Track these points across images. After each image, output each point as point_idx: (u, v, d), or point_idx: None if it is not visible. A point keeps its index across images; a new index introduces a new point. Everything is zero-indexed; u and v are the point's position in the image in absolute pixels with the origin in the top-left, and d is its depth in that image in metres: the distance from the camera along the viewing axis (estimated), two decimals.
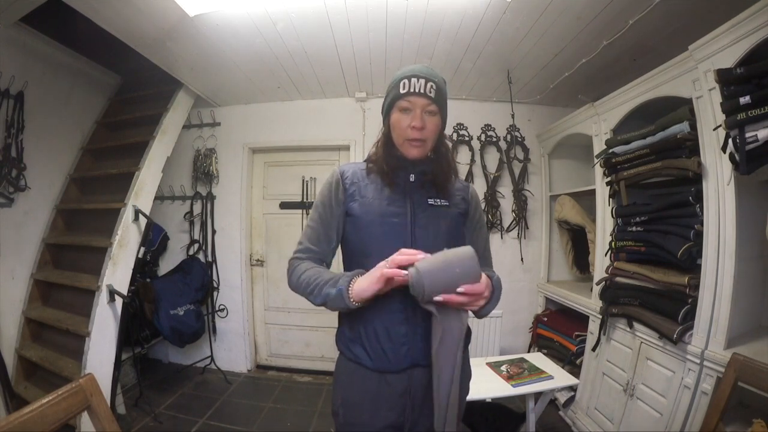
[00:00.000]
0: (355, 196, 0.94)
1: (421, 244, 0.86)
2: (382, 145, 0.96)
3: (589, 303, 2.15)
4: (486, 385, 1.68)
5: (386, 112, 0.94)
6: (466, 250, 0.77)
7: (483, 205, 2.78)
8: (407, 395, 0.89)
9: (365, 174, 0.97)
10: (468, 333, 1.00)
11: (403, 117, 0.89)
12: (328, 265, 0.98)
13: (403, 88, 0.88)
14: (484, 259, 0.98)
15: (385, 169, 0.93)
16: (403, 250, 0.78)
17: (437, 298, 0.74)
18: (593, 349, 2.04)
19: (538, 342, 2.63)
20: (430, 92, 0.87)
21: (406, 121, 0.88)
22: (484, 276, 0.80)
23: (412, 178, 0.94)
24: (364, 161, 1.00)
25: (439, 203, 0.94)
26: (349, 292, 0.82)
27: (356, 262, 0.92)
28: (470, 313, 0.86)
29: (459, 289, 0.74)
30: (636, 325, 1.76)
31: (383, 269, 0.77)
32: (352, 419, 0.92)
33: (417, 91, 0.86)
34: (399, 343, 0.88)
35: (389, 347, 0.88)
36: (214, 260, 2.94)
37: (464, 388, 0.96)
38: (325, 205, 0.96)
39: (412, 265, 0.75)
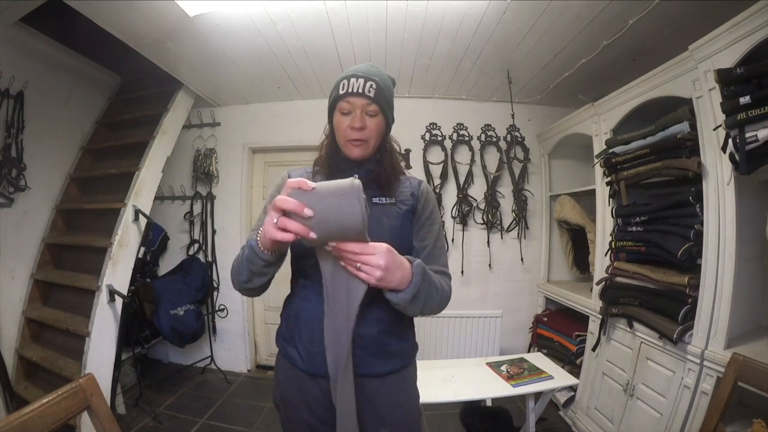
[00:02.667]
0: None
1: None
2: (326, 147, 0.95)
3: (589, 303, 2.15)
4: (486, 385, 1.68)
5: (329, 114, 0.92)
6: (344, 183, 0.66)
7: (483, 205, 2.79)
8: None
9: (311, 176, 0.95)
10: (408, 346, 0.95)
11: (344, 119, 0.87)
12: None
13: (342, 89, 0.86)
14: (432, 257, 0.92)
15: (329, 170, 0.92)
16: (290, 181, 0.67)
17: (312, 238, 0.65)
18: (593, 349, 2.04)
19: (538, 342, 2.63)
20: (369, 92, 0.85)
21: (346, 122, 0.86)
22: (382, 244, 0.70)
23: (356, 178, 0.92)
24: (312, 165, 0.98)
25: (384, 201, 0.91)
26: (258, 242, 0.75)
27: (299, 263, 0.91)
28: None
29: (332, 244, 0.66)
30: (636, 325, 1.76)
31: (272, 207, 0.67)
32: (290, 415, 0.93)
33: (355, 91, 0.84)
34: None
35: (319, 351, 0.85)
36: (214, 260, 2.94)
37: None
38: None
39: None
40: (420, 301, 0.78)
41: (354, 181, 0.67)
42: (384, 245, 0.71)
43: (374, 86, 0.85)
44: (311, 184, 0.66)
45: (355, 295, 0.75)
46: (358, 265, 0.69)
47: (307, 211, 0.64)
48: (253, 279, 0.81)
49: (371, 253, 0.69)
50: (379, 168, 0.92)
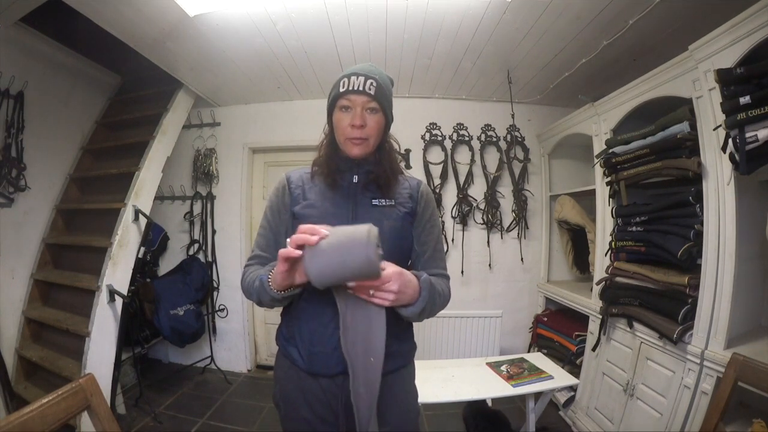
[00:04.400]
0: (299, 200, 0.93)
1: None
2: (325, 146, 0.95)
3: (589, 303, 2.15)
4: (486, 385, 1.68)
5: (329, 113, 0.92)
6: (359, 233, 0.68)
7: (483, 205, 2.79)
8: (338, 400, 0.88)
9: (310, 177, 0.96)
10: (408, 347, 0.98)
11: (344, 116, 0.87)
12: None
13: (343, 87, 0.86)
14: (432, 260, 0.95)
15: (328, 171, 0.92)
16: (302, 227, 0.71)
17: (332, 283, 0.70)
18: (593, 349, 2.04)
19: (538, 342, 2.63)
20: (370, 89, 0.85)
21: (347, 120, 0.86)
22: (396, 268, 0.75)
23: (355, 179, 0.92)
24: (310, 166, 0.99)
25: (383, 203, 0.91)
26: (269, 281, 0.79)
27: None
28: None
29: (350, 284, 0.70)
30: (636, 325, 1.76)
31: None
32: (290, 414, 0.93)
33: (356, 88, 0.85)
34: (331, 348, 0.85)
35: (319, 351, 0.87)
36: (214, 260, 2.94)
37: (396, 402, 0.91)
38: (273, 211, 0.95)
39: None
40: (426, 312, 0.84)
41: (371, 231, 0.69)
42: (395, 270, 0.75)
43: (374, 84, 0.86)
44: (324, 231, 0.69)
45: (376, 322, 0.78)
46: (372, 292, 0.74)
47: (320, 232, 0.69)
48: (263, 305, 0.87)
49: (385, 282, 0.73)
50: (379, 168, 0.92)
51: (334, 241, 0.69)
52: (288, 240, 0.72)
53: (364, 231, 0.68)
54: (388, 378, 0.89)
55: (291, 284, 0.78)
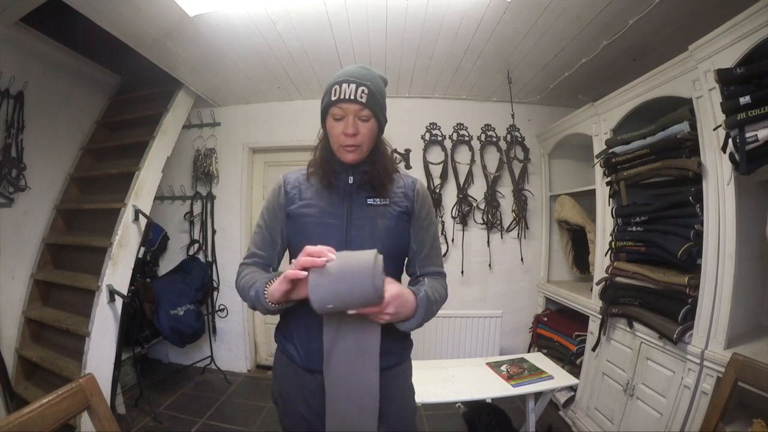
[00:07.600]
0: (295, 200, 0.94)
1: (356, 244, 0.87)
2: (320, 149, 0.96)
3: (589, 303, 2.15)
4: (486, 385, 1.68)
5: (322, 118, 0.92)
6: (365, 262, 0.69)
7: (483, 205, 2.79)
8: None
9: (306, 178, 0.97)
10: (401, 351, 0.99)
11: (337, 124, 0.87)
12: (275, 269, 0.97)
13: (334, 95, 0.85)
14: (429, 258, 0.97)
15: (323, 173, 0.93)
16: (308, 248, 0.74)
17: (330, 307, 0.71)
18: (593, 349, 2.04)
19: (538, 342, 2.63)
20: (361, 97, 0.84)
21: (339, 128, 0.87)
22: (394, 290, 0.77)
23: (351, 180, 0.93)
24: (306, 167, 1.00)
25: (378, 202, 0.93)
26: (266, 293, 0.81)
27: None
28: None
29: (350, 312, 0.72)
30: (636, 325, 1.76)
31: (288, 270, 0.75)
32: (289, 410, 0.94)
33: (347, 97, 0.84)
34: None
35: (316, 347, 0.88)
36: (214, 260, 2.94)
37: (391, 416, 0.92)
38: (269, 210, 0.97)
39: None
40: (423, 323, 0.87)
41: (377, 259, 0.70)
42: (392, 292, 0.76)
43: (366, 91, 0.85)
44: (330, 255, 0.71)
45: (370, 340, 0.81)
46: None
47: (325, 255, 0.71)
48: (256, 310, 0.88)
49: (384, 308, 0.75)
50: (373, 169, 0.93)
51: (339, 266, 0.70)
52: (293, 261, 0.74)
53: (371, 258, 0.70)
54: (384, 375, 0.89)
55: (288, 300, 0.80)
